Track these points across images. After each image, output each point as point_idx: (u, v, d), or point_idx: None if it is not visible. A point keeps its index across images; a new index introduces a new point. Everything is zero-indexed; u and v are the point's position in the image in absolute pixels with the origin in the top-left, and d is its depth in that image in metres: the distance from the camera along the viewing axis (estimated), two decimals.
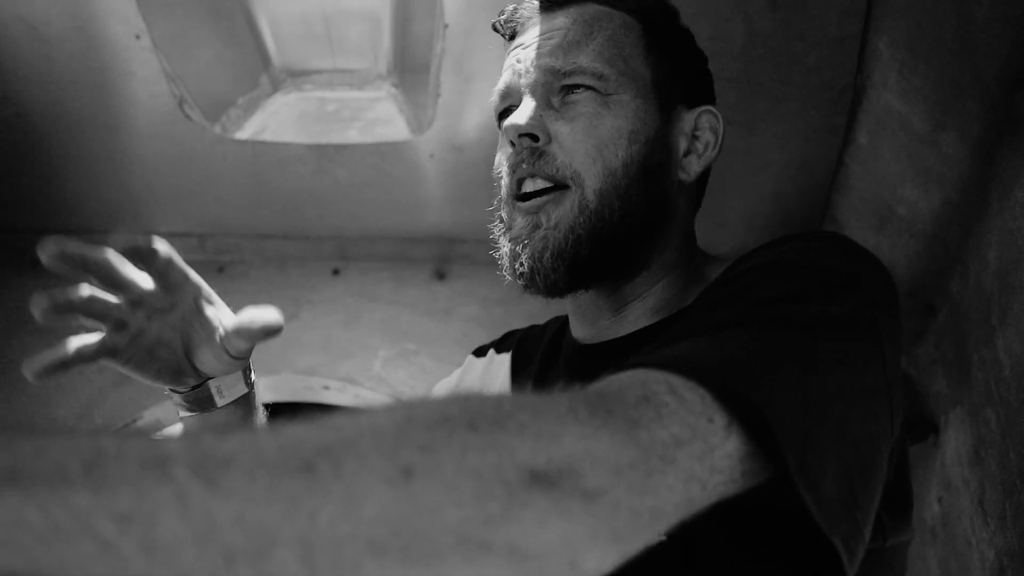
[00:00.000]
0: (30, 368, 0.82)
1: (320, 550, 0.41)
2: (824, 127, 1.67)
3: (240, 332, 0.90)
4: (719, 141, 1.04)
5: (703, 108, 1.04)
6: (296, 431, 0.45)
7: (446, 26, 1.60)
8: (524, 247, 0.97)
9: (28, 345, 1.97)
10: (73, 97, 1.78)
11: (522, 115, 0.97)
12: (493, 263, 2.04)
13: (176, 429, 2.88)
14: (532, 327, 1.24)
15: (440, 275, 2.07)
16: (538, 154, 0.96)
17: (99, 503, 0.38)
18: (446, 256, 2.08)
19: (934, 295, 1.61)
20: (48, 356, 0.83)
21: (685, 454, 0.58)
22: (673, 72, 1.02)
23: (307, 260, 2.09)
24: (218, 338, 0.94)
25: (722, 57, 1.57)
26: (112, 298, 0.88)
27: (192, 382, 1.00)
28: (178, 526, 0.39)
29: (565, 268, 0.95)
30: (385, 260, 2.09)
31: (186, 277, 0.92)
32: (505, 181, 1.01)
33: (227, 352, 0.94)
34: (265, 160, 1.89)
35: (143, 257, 0.87)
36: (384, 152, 1.86)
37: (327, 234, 2.07)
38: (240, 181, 1.94)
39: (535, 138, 0.97)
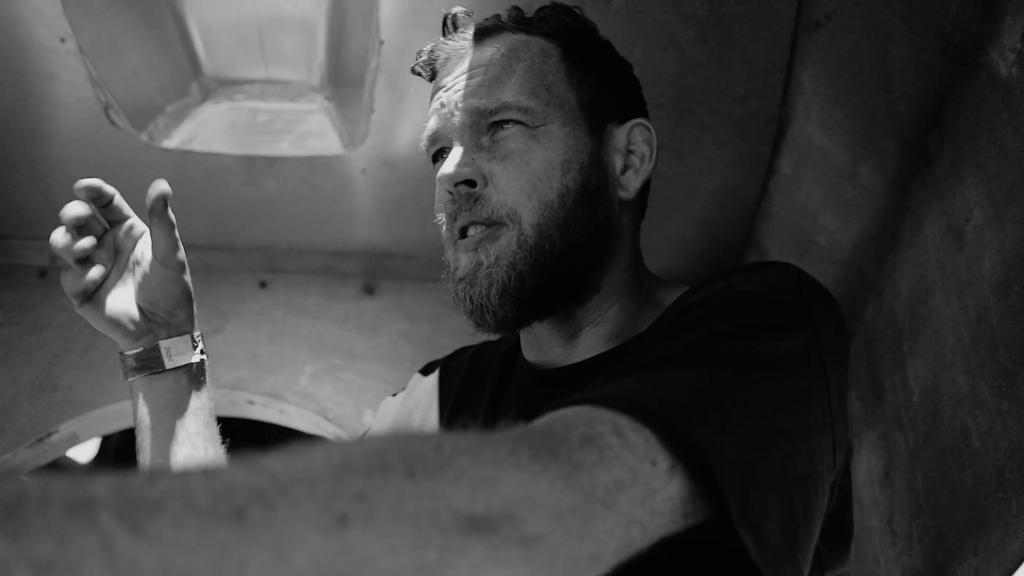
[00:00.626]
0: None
1: None
2: (749, 156, 1.72)
3: (151, 218, 1.04)
4: (654, 152, 1.04)
5: (634, 122, 1.04)
6: (229, 474, 0.44)
7: (381, 42, 1.60)
8: (470, 286, 0.96)
9: None
10: None
11: (454, 164, 0.96)
12: (422, 279, 2.05)
13: (89, 448, 2.79)
14: (485, 343, 1.22)
15: (369, 290, 2.06)
16: (474, 199, 0.96)
17: (18, 552, 0.36)
18: (375, 271, 2.07)
19: (850, 321, 1.67)
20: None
21: (626, 498, 0.59)
22: (598, 91, 1.02)
23: (234, 272, 2.06)
24: (149, 255, 1.08)
25: (653, 84, 1.61)
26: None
27: (144, 341, 1.10)
28: (102, 575, 0.37)
29: (512, 304, 0.94)
30: (313, 274, 2.07)
31: (128, 215, 1.10)
32: (446, 226, 1.00)
33: (157, 260, 1.07)
34: (193, 170, 1.86)
35: (95, 199, 1.05)
36: (316, 165, 1.85)
37: (255, 246, 2.04)
38: None
39: (471, 183, 0.96)
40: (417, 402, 1.20)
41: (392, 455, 0.50)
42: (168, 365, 1.09)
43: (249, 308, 2.02)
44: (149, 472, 0.43)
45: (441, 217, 1.01)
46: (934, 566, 1.26)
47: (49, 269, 2.03)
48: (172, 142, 1.88)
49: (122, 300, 1.08)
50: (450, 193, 0.97)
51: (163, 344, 1.09)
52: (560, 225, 0.95)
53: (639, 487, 0.60)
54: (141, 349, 1.09)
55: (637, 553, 0.60)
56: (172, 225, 1.05)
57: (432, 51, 1.07)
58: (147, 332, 1.09)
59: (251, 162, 1.85)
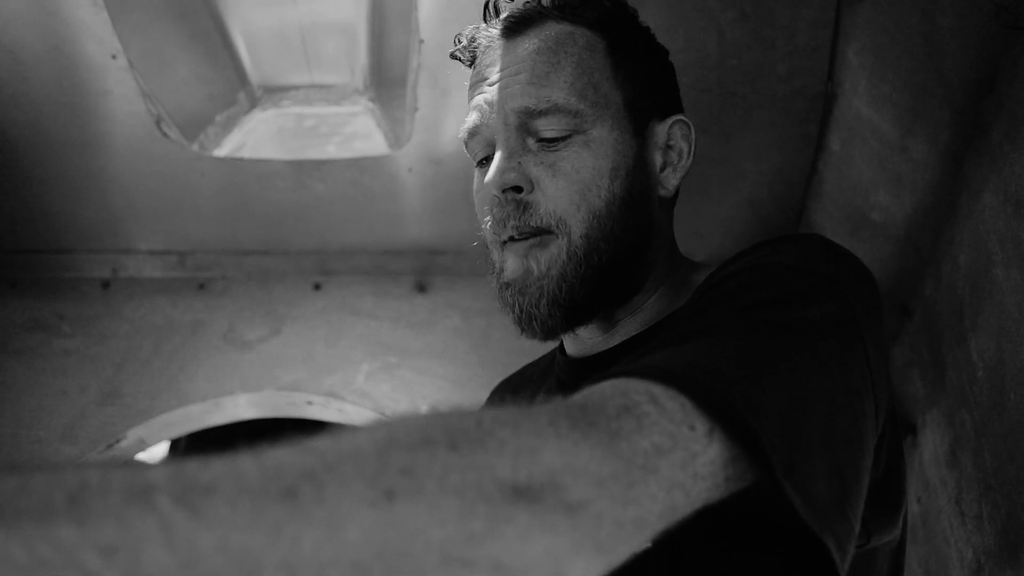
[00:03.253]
0: None
1: (304, 575, 0.42)
2: (797, 135, 1.69)
3: None
4: (692, 149, 1.03)
5: (674, 118, 1.02)
6: (278, 455, 0.46)
7: (421, 41, 1.61)
8: (520, 294, 0.96)
9: (8, 365, 1.96)
10: (50, 118, 1.78)
11: (499, 169, 0.94)
12: (474, 275, 2.06)
13: (158, 451, 2.87)
14: (526, 367, 1.24)
15: (421, 288, 2.08)
16: (523, 207, 0.94)
17: (84, 535, 0.38)
18: (427, 269, 2.09)
19: (908, 298, 1.64)
20: None
21: (667, 463, 0.59)
22: (642, 87, 1.00)
23: (288, 275, 2.09)
24: None
25: (696, 68, 1.60)
26: None
27: None
28: (162, 556, 0.39)
29: (562, 315, 0.94)
30: (366, 274, 2.09)
31: None
32: (489, 227, 0.98)
33: None
34: (244, 177, 1.90)
35: None
36: (363, 166, 1.87)
37: (307, 249, 2.07)
38: (219, 198, 1.94)
39: (518, 189, 0.94)
40: None
41: (435, 430, 0.51)
42: None
43: (304, 310, 2.06)
44: (202, 457, 0.45)
45: (487, 219, 0.99)
46: (1006, 544, 1.23)
47: (111, 280, 2.08)
48: (222, 151, 1.92)
49: None
50: (496, 197, 0.96)
51: None
52: (607, 235, 0.94)
53: (679, 452, 0.60)
54: None
55: (682, 519, 0.60)
56: None
57: (473, 37, 1.04)
58: None
59: (300, 166, 1.88)
